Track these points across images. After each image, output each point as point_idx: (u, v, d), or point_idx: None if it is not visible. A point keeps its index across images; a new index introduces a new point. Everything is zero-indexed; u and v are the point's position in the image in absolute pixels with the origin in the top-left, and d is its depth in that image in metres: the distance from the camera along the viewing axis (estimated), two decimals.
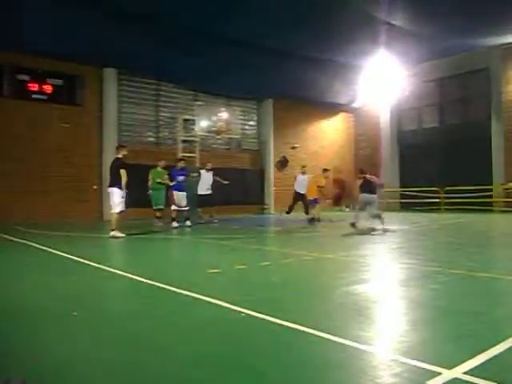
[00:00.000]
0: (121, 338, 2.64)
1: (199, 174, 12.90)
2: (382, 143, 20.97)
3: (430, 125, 19.84)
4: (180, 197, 11.24)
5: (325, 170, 12.99)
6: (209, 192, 12.62)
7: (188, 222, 11.27)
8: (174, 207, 11.17)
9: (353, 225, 9.80)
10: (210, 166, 12.98)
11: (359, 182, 10.47)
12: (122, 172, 8.61)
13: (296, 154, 19.51)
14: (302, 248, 7.28)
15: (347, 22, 13.01)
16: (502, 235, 9.72)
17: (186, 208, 11.37)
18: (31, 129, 13.78)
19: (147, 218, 14.58)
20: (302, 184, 12.96)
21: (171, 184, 11.18)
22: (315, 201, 12.54)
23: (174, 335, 2.66)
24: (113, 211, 8.82)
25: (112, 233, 8.63)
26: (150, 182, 11.65)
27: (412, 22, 13.50)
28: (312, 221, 12.04)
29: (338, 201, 14.80)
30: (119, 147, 9.48)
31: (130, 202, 14.97)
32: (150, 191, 11.68)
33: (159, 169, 11.85)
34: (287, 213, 13.45)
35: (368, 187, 10.12)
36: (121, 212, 8.80)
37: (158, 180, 11.52)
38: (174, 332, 2.73)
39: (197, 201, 12.63)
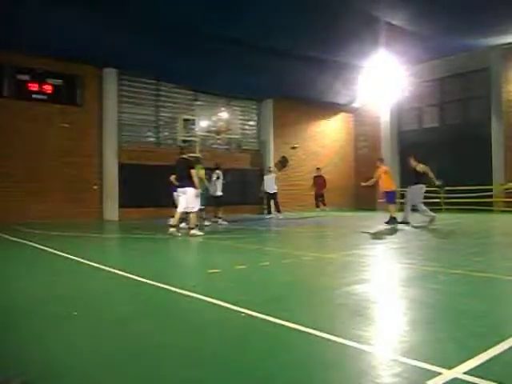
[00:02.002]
0: (120, 338, 2.64)
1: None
2: (381, 143, 20.97)
3: (431, 125, 19.84)
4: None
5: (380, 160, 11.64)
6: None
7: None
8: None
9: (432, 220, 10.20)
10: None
11: (419, 168, 10.50)
12: (193, 172, 8.81)
13: (296, 154, 19.51)
14: (301, 248, 7.28)
15: (347, 22, 13.02)
16: (502, 235, 9.72)
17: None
18: (31, 129, 13.79)
19: (148, 218, 14.61)
20: (268, 183, 13.95)
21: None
22: (394, 194, 11.27)
23: (173, 335, 2.66)
24: (191, 210, 8.90)
25: (192, 231, 8.75)
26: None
27: (412, 22, 13.50)
28: (393, 221, 10.67)
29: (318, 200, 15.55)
30: (184, 148, 9.77)
31: (131, 202, 15.14)
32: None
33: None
34: (269, 213, 15.04)
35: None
36: (198, 210, 9.04)
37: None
38: (174, 332, 2.73)
39: (217, 202, 12.57)
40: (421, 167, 10.68)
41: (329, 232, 10.54)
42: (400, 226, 10.33)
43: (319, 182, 15.77)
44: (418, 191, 10.60)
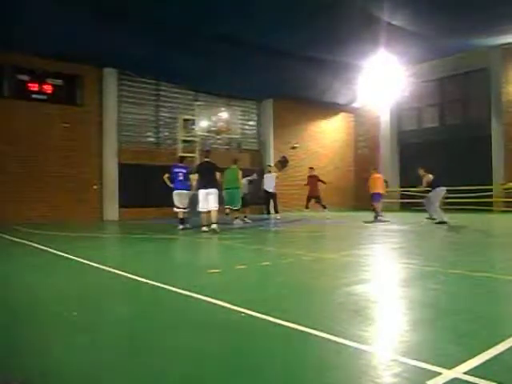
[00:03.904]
0: (120, 337, 2.64)
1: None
2: (381, 143, 20.98)
3: (430, 125, 19.85)
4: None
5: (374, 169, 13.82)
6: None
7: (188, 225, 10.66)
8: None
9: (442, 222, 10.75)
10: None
11: (429, 177, 11.27)
12: (219, 175, 9.62)
13: (296, 154, 19.50)
14: (301, 248, 7.28)
15: (347, 22, 13.01)
16: (501, 235, 9.72)
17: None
18: (31, 129, 13.79)
19: (146, 218, 14.61)
20: (267, 182, 13.85)
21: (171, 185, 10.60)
22: (380, 196, 13.19)
23: (173, 335, 2.66)
24: (214, 209, 9.49)
25: (214, 226, 9.36)
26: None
27: (412, 22, 13.50)
28: (377, 216, 12.73)
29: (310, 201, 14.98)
30: (209, 151, 10.44)
31: (131, 202, 15.15)
32: (224, 191, 11.77)
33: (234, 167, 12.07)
34: (268, 213, 14.97)
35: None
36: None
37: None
38: (174, 332, 2.73)
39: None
40: (427, 177, 11.27)
41: (329, 232, 10.54)
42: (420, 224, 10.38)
43: (312, 182, 14.79)
44: (435, 193, 11.13)
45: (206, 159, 9.94)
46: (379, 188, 13.10)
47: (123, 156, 15.37)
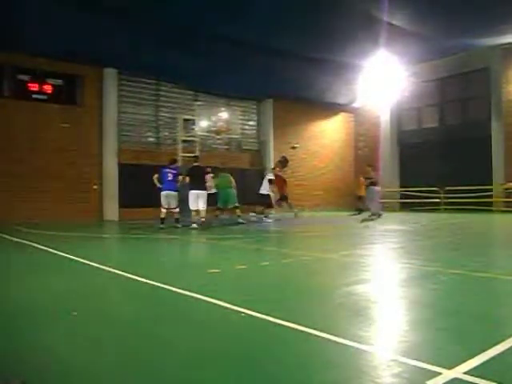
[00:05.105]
0: (120, 338, 2.64)
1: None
2: (381, 143, 20.98)
3: (430, 125, 19.85)
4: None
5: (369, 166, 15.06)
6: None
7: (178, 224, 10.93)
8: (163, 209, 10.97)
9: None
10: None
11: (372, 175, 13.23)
12: (208, 177, 10.79)
13: (296, 154, 19.49)
14: (301, 248, 7.28)
15: (347, 22, 13.01)
16: (501, 235, 9.72)
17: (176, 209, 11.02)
18: (31, 129, 13.79)
19: (146, 218, 14.61)
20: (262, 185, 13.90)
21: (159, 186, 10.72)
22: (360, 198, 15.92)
23: (174, 335, 2.66)
24: (202, 209, 10.55)
25: (195, 226, 10.39)
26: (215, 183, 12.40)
27: (412, 22, 13.50)
28: (355, 212, 15.46)
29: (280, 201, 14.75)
30: (197, 157, 11.69)
31: (131, 202, 15.15)
32: (215, 191, 12.37)
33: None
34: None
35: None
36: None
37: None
38: (174, 332, 2.73)
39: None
40: (370, 174, 13.74)
41: (328, 232, 10.54)
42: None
43: (279, 182, 14.45)
44: (372, 191, 13.47)
45: (196, 164, 11.05)
46: (363, 191, 15.69)
47: (123, 156, 15.36)
